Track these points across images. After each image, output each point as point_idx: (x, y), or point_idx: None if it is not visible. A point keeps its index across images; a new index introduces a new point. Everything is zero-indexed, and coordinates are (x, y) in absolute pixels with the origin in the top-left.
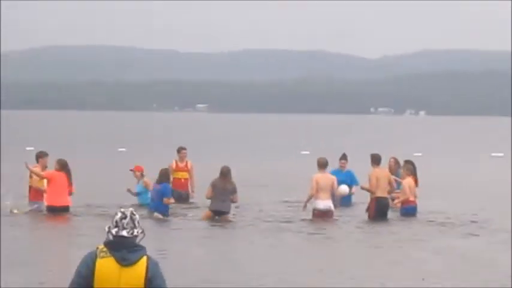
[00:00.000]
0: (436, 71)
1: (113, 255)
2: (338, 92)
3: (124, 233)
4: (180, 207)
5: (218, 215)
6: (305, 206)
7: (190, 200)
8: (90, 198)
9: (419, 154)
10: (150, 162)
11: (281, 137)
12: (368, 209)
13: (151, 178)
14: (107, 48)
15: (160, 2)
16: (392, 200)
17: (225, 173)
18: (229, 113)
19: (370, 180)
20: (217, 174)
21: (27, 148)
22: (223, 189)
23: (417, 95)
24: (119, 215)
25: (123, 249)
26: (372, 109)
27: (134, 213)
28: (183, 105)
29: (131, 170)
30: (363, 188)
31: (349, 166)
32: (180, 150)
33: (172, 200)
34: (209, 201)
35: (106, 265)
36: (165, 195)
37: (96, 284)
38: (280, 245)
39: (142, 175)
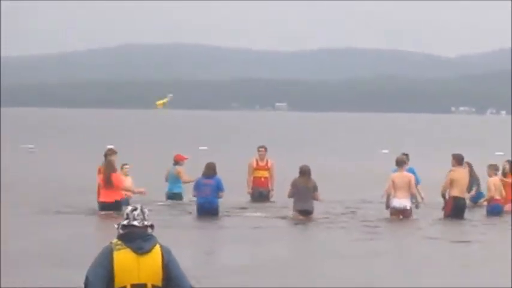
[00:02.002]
0: None
1: (129, 246)
2: (417, 91)
3: (135, 223)
4: (263, 206)
5: (303, 214)
6: (387, 206)
7: (271, 199)
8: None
9: (501, 153)
10: (229, 159)
11: (361, 135)
12: (444, 208)
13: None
14: (185, 47)
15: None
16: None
17: (305, 172)
18: (309, 111)
19: (445, 179)
20: (297, 173)
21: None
22: (305, 188)
23: (498, 94)
24: (130, 208)
25: (138, 239)
26: (452, 108)
27: (144, 206)
28: (263, 103)
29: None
30: (443, 195)
31: (429, 165)
32: (259, 148)
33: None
34: (290, 200)
35: (124, 256)
36: (221, 189)
37: (117, 276)
38: (363, 245)
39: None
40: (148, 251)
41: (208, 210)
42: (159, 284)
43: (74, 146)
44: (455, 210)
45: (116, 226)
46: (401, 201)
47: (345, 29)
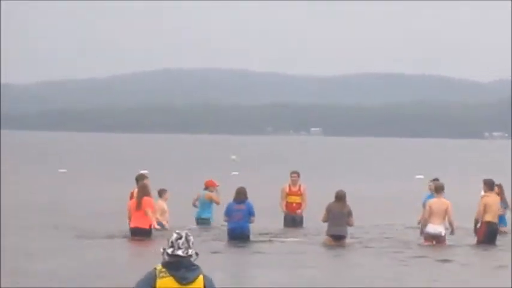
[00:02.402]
0: None
1: (172, 275)
2: (452, 116)
3: (179, 252)
4: (296, 230)
5: (336, 239)
6: (421, 232)
7: (304, 226)
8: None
9: None
10: (261, 184)
11: (396, 160)
12: (477, 233)
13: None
14: (221, 72)
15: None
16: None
17: (340, 197)
18: (344, 136)
19: (478, 206)
20: (331, 198)
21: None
22: (340, 213)
23: None
24: (175, 235)
25: (182, 268)
26: (486, 133)
27: (189, 234)
28: (297, 128)
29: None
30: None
31: (459, 191)
32: (291, 174)
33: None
34: (324, 225)
35: (167, 284)
36: (253, 214)
37: None
38: (394, 267)
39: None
40: (192, 281)
41: (239, 235)
42: None
43: (109, 170)
44: (488, 235)
45: (161, 251)
46: (436, 227)
47: (382, 54)
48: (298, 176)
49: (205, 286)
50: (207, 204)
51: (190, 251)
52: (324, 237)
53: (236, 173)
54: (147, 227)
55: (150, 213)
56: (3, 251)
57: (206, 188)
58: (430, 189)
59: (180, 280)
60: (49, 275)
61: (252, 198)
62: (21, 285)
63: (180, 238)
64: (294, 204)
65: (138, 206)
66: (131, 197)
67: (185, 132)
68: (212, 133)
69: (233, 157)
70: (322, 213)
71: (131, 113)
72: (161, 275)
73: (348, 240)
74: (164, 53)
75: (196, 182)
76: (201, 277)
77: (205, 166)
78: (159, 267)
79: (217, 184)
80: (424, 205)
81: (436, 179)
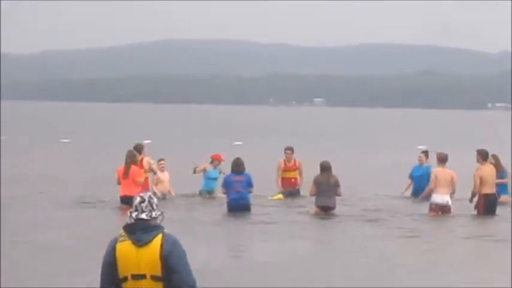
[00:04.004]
0: None
1: (130, 238)
2: (456, 87)
3: (143, 215)
4: (293, 203)
5: (325, 210)
6: (423, 198)
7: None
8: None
9: None
10: (263, 154)
11: (398, 131)
12: (476, 206)
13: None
14: (224, 43)
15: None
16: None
17: (326, 168)
18: (347, 106)
19: (474, 179)
20: (334, 169)
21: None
22: (327, 184)
23: None
24: (138, 199)
25: (138, 230)
26: (489, 104)
27: (152, 197)
28: (300, 99)
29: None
30: (472, 198)
31: (461, 162)
32: (286, 150)
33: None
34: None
35: (124, 248)
36: (251, 185)
37: (119, 266)
38: (384, 239)
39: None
40: (147, 243)
41: (241, 207)
42: (159, 274)
43: (112, 140)
44: (487, 207)
45: (128, 214)
46: (444, 196)
47: (386, 25)
48: (292, 151)
49: (162, 247)
50: (211, 177)
51: (154, 214)
52: (313, 208)
53: (239, 142)
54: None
55: (139, 182)
56: (3, 222)
57: (212, 162)
58: (419, 160)
59: (135, 242)
60: (50, 244)
61: (254, 168)
62: (21, 276)
63: (143, 201)
64: (292, 180)
65: (126, 173)
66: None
67: (188, 102)
68: (215, 103)
69: (237, 143)
70: (310, 187)
71: (134, 83)
72: (121, 239)
73: (336, 211)
74: (168, 24)
75: (200, 151)
76: (158, 238)
77: (208, 136)
78: (121, 231)
79: (222, 159)
80: (410, 176)
81: (426, 151)
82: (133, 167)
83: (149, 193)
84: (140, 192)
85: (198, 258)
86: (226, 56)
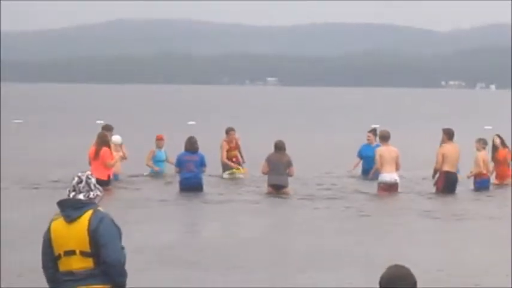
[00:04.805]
0: (507, 44)
1: (62, 215)
2: (408, 66)
3: (81, 196)
4: (242, 182)
5: (277, 189)
6: (371, 177)
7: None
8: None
9: (490, 127)
10: (216, 134)
11: (352, 110)
12: (436, 183)
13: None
14: (176, 22)
15: None
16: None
17: (280, 147)
18: (300, 86)
19: (436, 156)
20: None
21: (98, 121)
22: (279, 163)
23: (488, 69)
24: (76, 179)
25: (68, 207)
26: (442, 82)
27: (90, 177)
28: (253, 78)
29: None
30: (434, 174)
31: (421, 140)
32: (228, 131)
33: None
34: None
35: (57, 226)
36: (205, 165)
37: (53, 243)
38: (332, 219)
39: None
40: (75, 219)
41: (193, 186)
42: (87, 249)
43: (65, 120)
44: (447, 184)
45: (66, 193)
46: (392, 175)
47: (337, 4)
48: (235, 132)
49: (90, 222)
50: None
51: (91, 194)
52: (265, 187)
53: (193, 122)
54: (105, 178)
55: (109, 164)
56: None
57: (156, 142)
58: (368, 139)
59: (65, 218)
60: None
61: (207, 148)
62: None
63: (81, 182)
64: (234, 159)
65: (96, 155)
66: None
67: (141, 82)
68: (167, 83)
69: (190, 122)
70: (262, 164)
71: (86, 64)
72: (55, 217)
73: (289, 191)
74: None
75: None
76: (87, 214)
77: (161, 116)
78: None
79: (163, 139)
80: (358, 155)
81: (373, 129)
82: (103, 149)
83: (87, 173)
84: (109, 174)
85: (148, 236)
86: (178, 36)
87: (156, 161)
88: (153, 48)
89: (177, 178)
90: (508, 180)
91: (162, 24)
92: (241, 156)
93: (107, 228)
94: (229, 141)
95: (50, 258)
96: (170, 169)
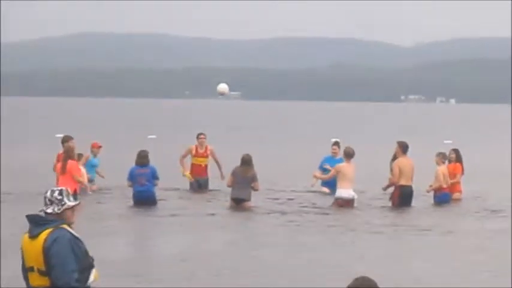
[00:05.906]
0: (467, 58)
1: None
2: (369, 80)
3: (49, 210)
4: (202, 196)
5: (238, 202)
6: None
7: (210, 188)
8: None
9: (450, 142)
10: (177, 148)
11: (313, 124)
12: (391, 198)
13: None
14: (139, 36)
15: None
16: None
17: (246, 161)
18: (263, 100)
19: (393, 170)
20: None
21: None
22: (243, 177)
23: (448, 83)
24: (48, 192)
25: (32, 223)
26: (402, 97)
27: (54, 190)
28: (215, 92)
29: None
30: (387, 187)
31: (379, 154)
32: (198, 136)
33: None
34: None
35: (24, 239)
36: (157, 178)
37: (23, 257)
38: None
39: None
40: (35, 236)
41: (146, 199)
42: (43, 268)
43: (31, 132)
44: (402, 198)
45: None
46: (349, 191)
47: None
48: (205, 137)
49: (45, 241)
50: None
51: (53, 209)
52: (228, 201)
53: (153, 136)
54: (72, 191)
55: (77, 177)
56: None
57: (92, 150)
58: (332, 152)
59: (29, 234)
60: None
61: (166, 162)
62: None
63: (46, 196)
64: (203, 165)
65: (63, 169)
66: (58, 159)
67: (102, 96)
68: (129, 96)
69: (150, 136)
70: (227, 178)
71: (48, 78)
72: (26, 230)
73: (250, 205)
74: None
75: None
76: (45, 232)
77: (121, 130)
78: None
79: (100, 145)
80: (321, 168)
81: (337, 142)
82: (70, 162)
83: (58, 188)
84: (76, 187)
85: (101, 251)
86: (140, 50)
87: (89, 165)
88: (114, 63)
89: (131, 192)
90: (457, 195)
91: (123, 37)
92: (219, 168)
93: (59, 249)
94: (198, 146)
95: (24, 269)
96: (99, 180)
